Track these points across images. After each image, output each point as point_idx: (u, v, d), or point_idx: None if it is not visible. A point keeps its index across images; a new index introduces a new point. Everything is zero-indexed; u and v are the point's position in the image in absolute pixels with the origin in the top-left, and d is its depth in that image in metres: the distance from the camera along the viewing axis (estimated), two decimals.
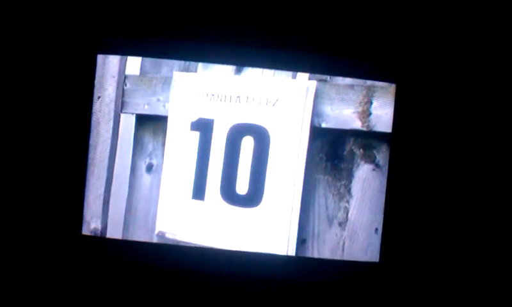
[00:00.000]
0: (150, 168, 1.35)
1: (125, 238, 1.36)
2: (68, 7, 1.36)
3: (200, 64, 1.33)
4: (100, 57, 1.34)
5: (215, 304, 1.36)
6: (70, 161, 1.35)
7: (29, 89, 1.38)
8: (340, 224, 1.31)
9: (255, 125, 1.30)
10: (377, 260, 1.32)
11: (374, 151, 1.30)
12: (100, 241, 1.36)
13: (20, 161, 1.37)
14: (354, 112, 1.28)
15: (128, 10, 1.36)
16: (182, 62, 1.33)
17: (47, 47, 1.37)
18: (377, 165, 1.31)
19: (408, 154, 1.35)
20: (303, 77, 1.30)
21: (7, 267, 1.34)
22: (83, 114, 1.35)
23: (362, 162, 1.30)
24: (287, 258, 1.32)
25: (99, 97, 1.34)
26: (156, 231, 1.34)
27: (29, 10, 1.37)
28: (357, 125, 1.29)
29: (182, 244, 1.34)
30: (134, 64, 1.35)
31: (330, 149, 1.30)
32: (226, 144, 1.31)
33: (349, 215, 1.31)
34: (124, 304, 1.36)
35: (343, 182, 1.30)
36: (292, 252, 1.31)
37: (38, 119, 1.37)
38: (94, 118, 1.34)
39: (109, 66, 1.34)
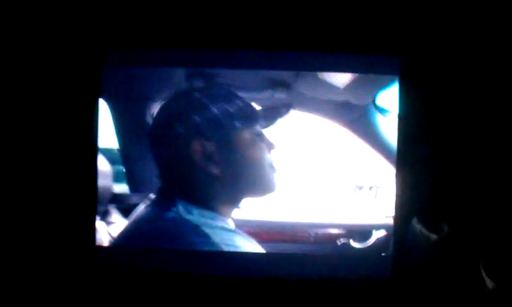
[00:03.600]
0: None
1: None
2: (70, 24, 1.39)
3: None
4: None
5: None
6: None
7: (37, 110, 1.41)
8: None
9: None
10: None
11: None
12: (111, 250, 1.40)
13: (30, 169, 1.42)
14: None
15: (129, 23, 1.39)
16: None
17: (53, 65, 1.40)
18: None
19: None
20: None
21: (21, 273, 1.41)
22: (90, 126, 1.39)
23: None
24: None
25: None
26: None
27: (34, 32, 1.40)
28: None
29: None
30: None
31: None
32: None
33: None
34: None
35: None
36: None
37: (48, 138, 1.42)
38: None
39: None
